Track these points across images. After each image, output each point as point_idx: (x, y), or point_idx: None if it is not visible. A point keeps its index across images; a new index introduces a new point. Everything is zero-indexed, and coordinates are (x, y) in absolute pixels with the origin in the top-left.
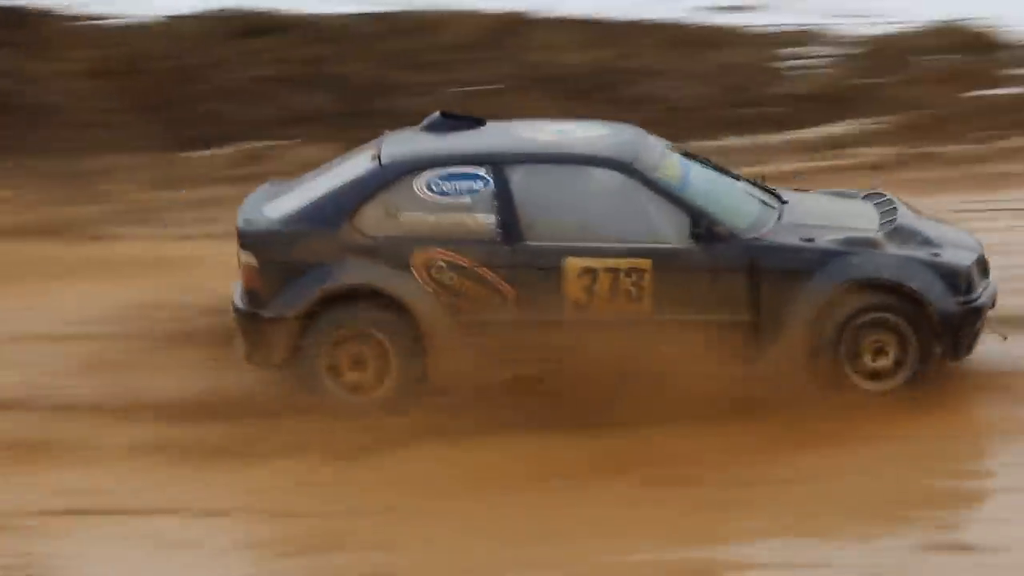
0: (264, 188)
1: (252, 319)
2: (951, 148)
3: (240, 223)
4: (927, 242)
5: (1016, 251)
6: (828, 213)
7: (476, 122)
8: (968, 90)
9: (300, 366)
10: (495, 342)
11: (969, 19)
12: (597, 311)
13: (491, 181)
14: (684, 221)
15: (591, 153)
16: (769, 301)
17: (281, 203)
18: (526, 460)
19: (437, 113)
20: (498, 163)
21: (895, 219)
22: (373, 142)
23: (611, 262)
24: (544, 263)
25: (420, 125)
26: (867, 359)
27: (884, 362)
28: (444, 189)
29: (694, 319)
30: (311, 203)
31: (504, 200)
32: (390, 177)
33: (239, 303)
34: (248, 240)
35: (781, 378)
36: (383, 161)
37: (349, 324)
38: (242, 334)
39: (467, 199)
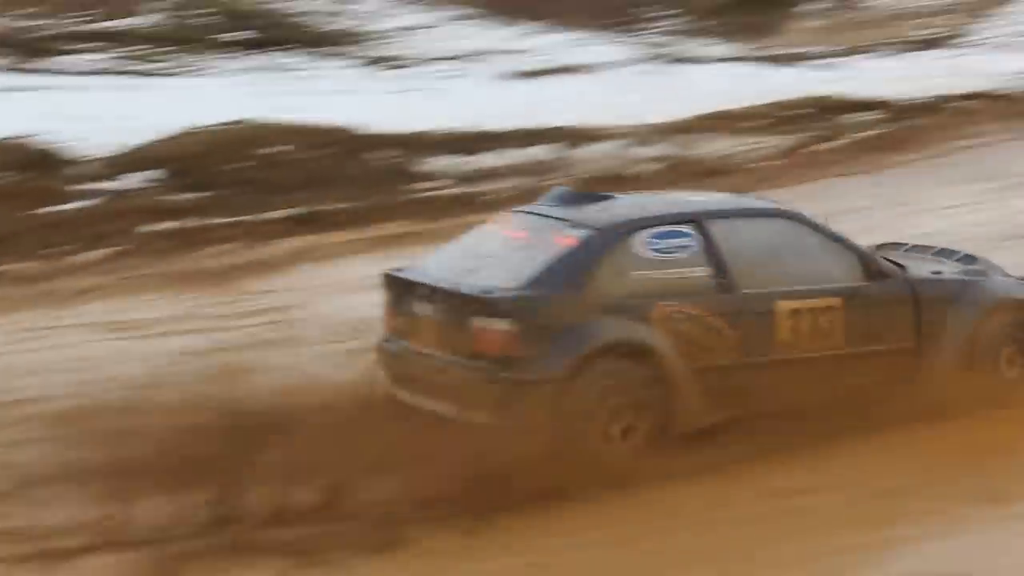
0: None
1: (511, 383)
2: (17, 267)
3: (476, 292)
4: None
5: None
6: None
7: (605, 196)
8: (34, 208)
9: (564, 422)
10: (724, 383)
11: (29, 136)
12: (801, 348)
13: (696, 237)
14: (855, 262)
15: (771, 207)
16: (928, 326)
17: (480, 274)
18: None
19: (563, 188)
20: (700, 220)
21: (962, 255)
22: (508, 215)
23: (811, 303)
24: (759, 308)
25: (546, 199)
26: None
27: None
28: (660, 247)
29: (875, 348)
30: (544, 269)
31: (713, 253)
32: (611, 240)
33: (483, 366)
34: (502, 307)
35: (942, 392)
36: (598, 227)
37: (616, 378)
38: (491, 396)
39: (680, 255)
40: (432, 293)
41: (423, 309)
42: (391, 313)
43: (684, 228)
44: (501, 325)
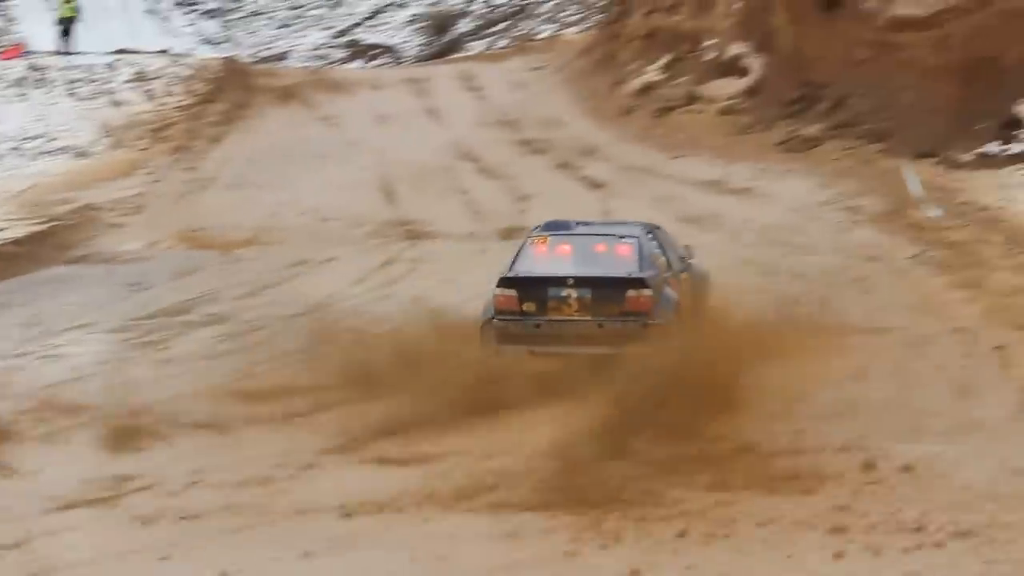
0: None
1: (652, 327)
2: None
3: (624, 275)
4: None
5: None
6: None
7: (593, 222)
8: None
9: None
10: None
11: None
12: (684, 297)
13: (656, 239)
14: (684, 255)
15: (657, 225)
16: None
17: (596, 269)
18: None
19: (557, 220)
20: (653, 230)
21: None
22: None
23: (684, 275)
24: (679, 275)
25: (553, 225)
26: None
27: None
28: (652, 246)
29: (688, 302)
30: (640, 261)
31: (662, 247)
32: (645, 242)
33: (635, 320)
34: (647, 283)
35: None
36: (635, 235)
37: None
38: (642, 336)
39: (656, 249)
40: (576, 281)
41: (564, 292)
42: (519, 301)
43: (652, 235)
44: (647, 293)
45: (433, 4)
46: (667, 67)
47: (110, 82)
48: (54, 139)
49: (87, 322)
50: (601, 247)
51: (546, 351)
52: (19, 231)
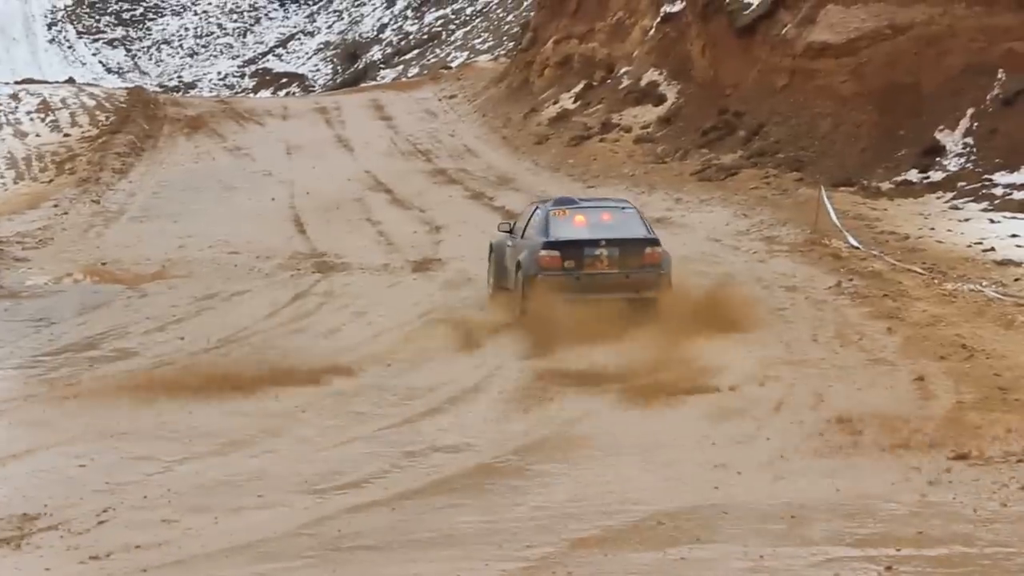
0: None
1: (663, 276)
2: None
3: (642, 237)
4: None
5: None
6: None
7: (592, 198)
8: None
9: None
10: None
11: None
12: None
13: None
14: (647, 224)
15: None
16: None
17: (618, 232)
18: None
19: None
20: (630, 204)
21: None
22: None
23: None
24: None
25: (564, 201)
26: None
27: None
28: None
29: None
30: (646, 227)
31: (641, 218)
32: (638, 212)
33: (653, 270)
34: (658, 241)
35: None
36: (633, 207)
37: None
38: (657, 284)
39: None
40: (607, 242)
41: (597, 251)
42: (561, 259)
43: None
44: (659, 249)
45: (343, 32)
46: (581, 95)
47: (14, 112)
48: None
49: None
50: (609, 216)
51: (584, 298)
52: None
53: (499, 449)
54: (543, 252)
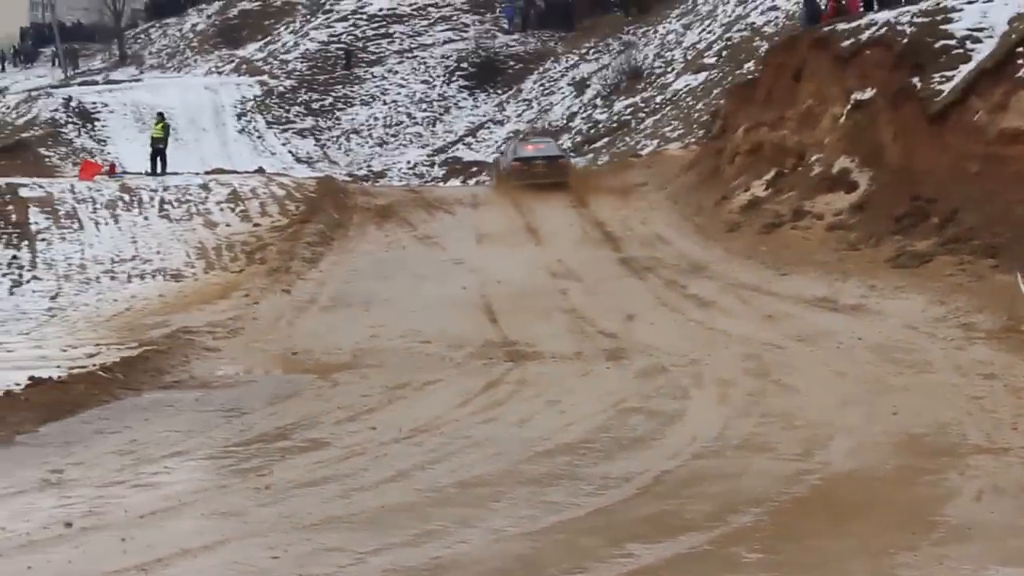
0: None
1: (571, 169)
2: None
3: (559, 154)
4: None
5: None
6: None
7: (530, 132)
8: None
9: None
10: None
11: None
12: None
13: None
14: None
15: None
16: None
17: (547, 152)
18: None
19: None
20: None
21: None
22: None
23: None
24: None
25: (525, 135)
26: None
27: None
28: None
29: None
30: (564, 148)
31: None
32: (558, 139)
33: (566, 169)
34: (569, 155)
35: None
36: (554, 139)
37: None
38: (568, 174)
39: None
40: (541, 157)
41: (536, 162)
42: (520, 165)
43: (559, 141)
44: (571, 160)
45: (532, 121)
46: (772, 182)
47: (204, 203)
48: (147, 261)
49: (182, 449)
50: (544, 145)
51: (531, 183)
52: (113, 356)
53: (696, 540)
54: (513, 162)
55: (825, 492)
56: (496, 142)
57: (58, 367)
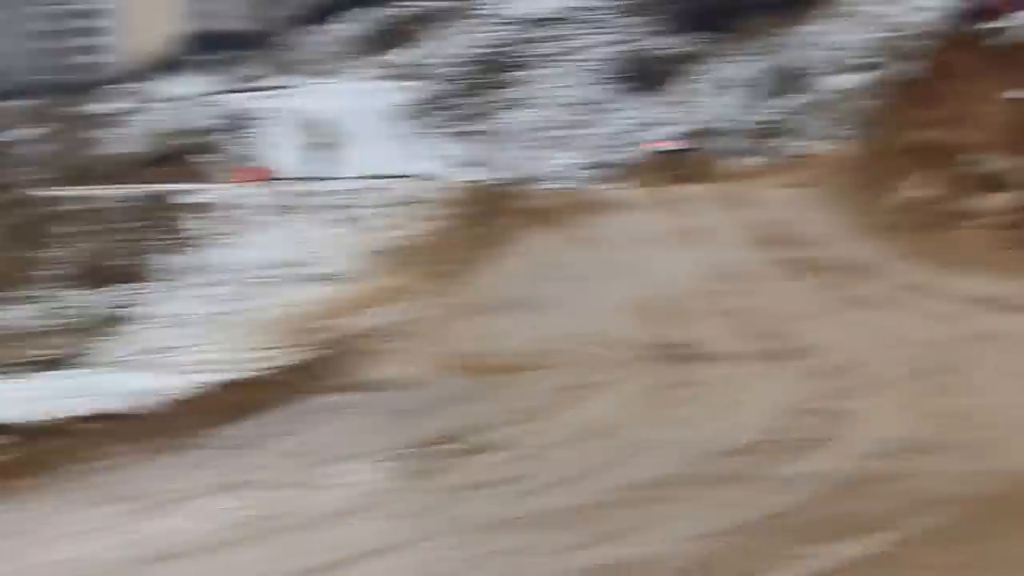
0: None
1: None
2: None
3: None
4: None
5: None
6: None
7: None
8: None
9: None
10: None
11: None
12: None
13: None
14: None
15: None
16: None
17: None
18: None
19: None
20: None
21: None
22: None
23: None
24: None
25: None
26: None
27: None
28: None
29: None
30: None
31: None
32: None
33: None
34: None
35: None
36: None
37: None
38: None
39: None
40: (681, 152)
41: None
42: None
43: None
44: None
45: (684, 123)
46: (931, 181)
47: (361, 207)
48: (307, 266)
49: (356, 452)
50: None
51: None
52: (281, 361)
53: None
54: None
55: (1009, 493)
56: (644, 142)
57: (228, 372)
